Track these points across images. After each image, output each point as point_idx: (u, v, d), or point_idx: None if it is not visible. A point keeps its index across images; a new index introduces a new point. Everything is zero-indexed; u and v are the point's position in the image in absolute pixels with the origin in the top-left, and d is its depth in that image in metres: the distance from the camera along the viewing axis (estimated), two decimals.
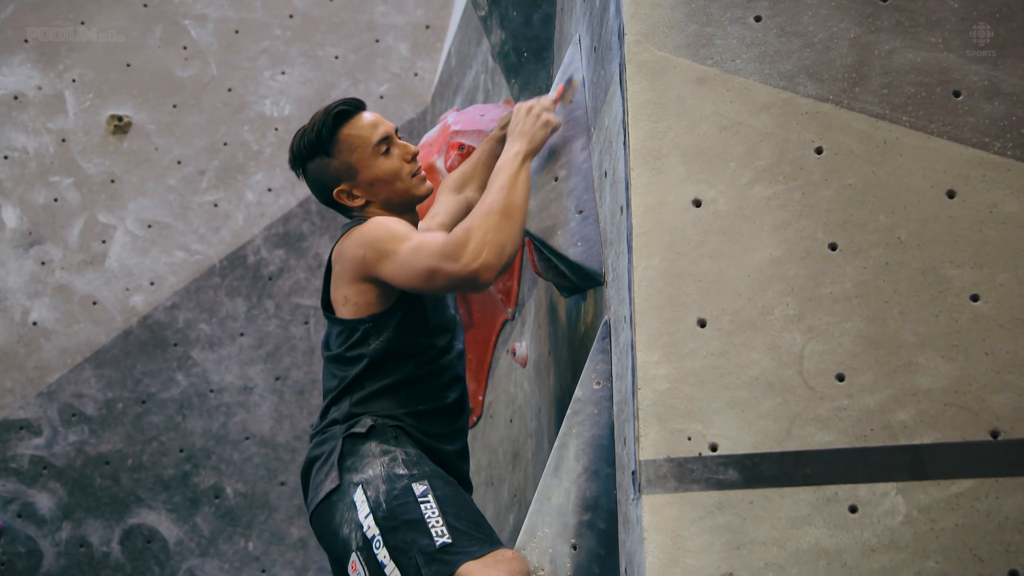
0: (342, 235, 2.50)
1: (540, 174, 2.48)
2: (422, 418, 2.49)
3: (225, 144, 5.42)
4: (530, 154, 2.38)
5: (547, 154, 2.50)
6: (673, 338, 1.81)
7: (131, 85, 5.36)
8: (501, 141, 3.25)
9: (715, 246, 1.84)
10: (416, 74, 5.64)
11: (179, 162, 5.38)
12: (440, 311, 2.54)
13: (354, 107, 2.55)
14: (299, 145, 2.55)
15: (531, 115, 2.43)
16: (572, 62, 2.59)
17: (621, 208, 1.99)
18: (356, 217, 2.58)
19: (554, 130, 2.44)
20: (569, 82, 2.53)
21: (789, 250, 1.83)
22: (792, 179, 1.86)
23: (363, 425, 2.41)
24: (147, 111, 5.37)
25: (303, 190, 5.24)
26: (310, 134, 2.53)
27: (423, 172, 2.59)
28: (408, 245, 2.32)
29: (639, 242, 1.86)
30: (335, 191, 2.54)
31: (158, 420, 5.17)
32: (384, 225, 2.40)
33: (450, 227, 2.95)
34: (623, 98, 1.97)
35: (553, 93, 2.54)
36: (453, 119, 3.62)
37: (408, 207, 2.58)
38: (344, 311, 2.48)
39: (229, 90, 5.49)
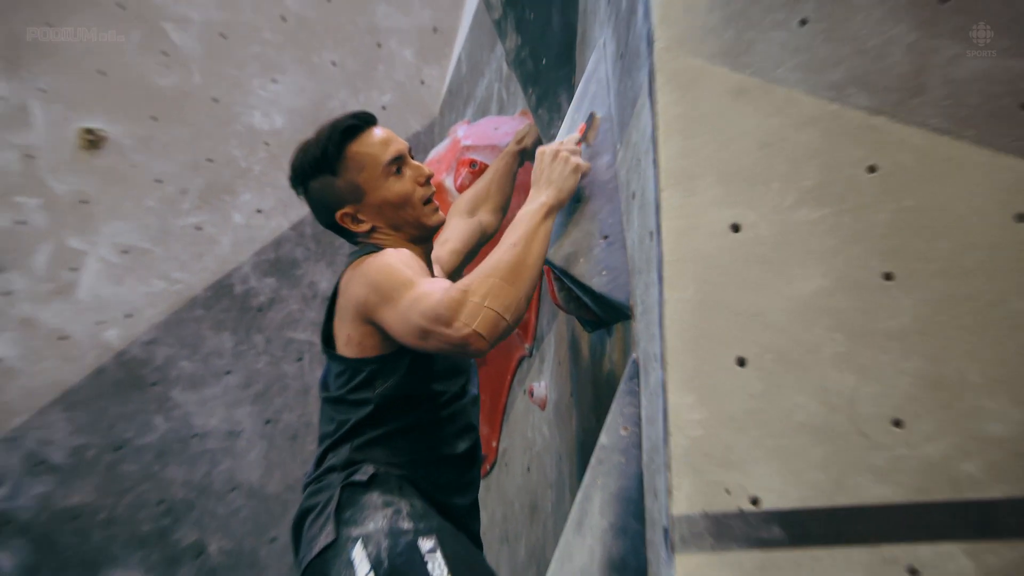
0: (349, 263, 2.51)
1: None
2: (430, 467, 2.49)
3: (210, 160, 5.45)
4: (557, 207, 2.38)
5: None
6: (709, 378, 1.81)
7: (105, 95, 5.40)
8: (517, 157, 3.27)
9: (755, 275, 1.84)
10: (422, 82, 5.67)
11: (159, 180, 5.41)
12: None
13: (364, 122, 2.57)
14: (302, 161, 2.57)
15: (558, 160, 2.41)
16: (595, 72, 2.60)
17: (651, 233, 1.99)
18: (361, 243, 2.60)
19: (584, 175, 2.43)
20: (591, 120, 2.54)
21: (838, 280, 1.83)
22: (842, 201, 1.86)
23: (364, 473, 2.42)
24: (123, 124, 5.41)
25: (296, 211, 5.26)
26: (315, 149, 2.55)
27: (436, 200, 2.61)
28: (411, 294, 2.32)
29: (671, 271, 1.86)
30: (339, 213, 2.56)
31: (134, 469, 5.17)
32: (391, 266, 2.40)
33: (462, 255, 2.96)
34: (652, 111, 1.97)
35: (576, 135, 2.55)
36: (464, 133, 3.63)
37: (420, 237, 2.60)
38: (347, 350, 2.49)
39: (214, 100, 5.53)
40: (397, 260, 2.42)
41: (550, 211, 2.35)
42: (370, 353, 2.45)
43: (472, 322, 2.19)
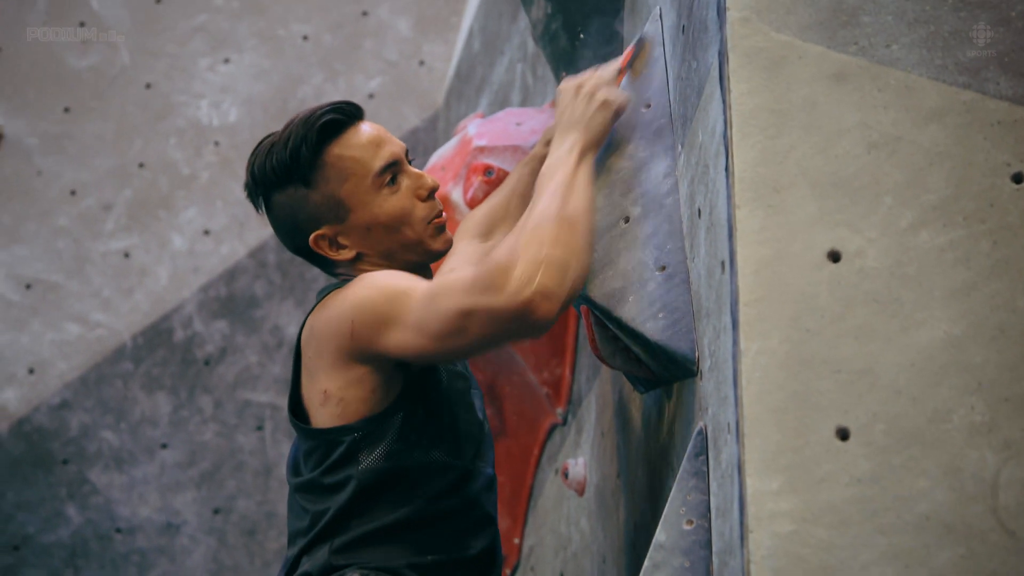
0: (316, 306, 2.52)
1: (603, 212, 2.49)
2: (434, 574, 2.49)
3: (141, 166, 5.49)
4: (590, 146, 2.42)
5: (613, 182, 2.52)
6: (801, 456, 1.81)
7: (1, 79, 5.44)
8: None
9: (862, 320, 1.84)
10: (422, 63, 5.70)
11: (73, 192, 5.45)
12: (462, 410, 2.55)
13: (348, 116, 2.58)
14: (264, 166, 2.57)
15: (583, 94, 2.47)
16: (649, 51, 2.61)
17: (723, 264, 2.00)
18: (341, 276, 2.61)
19: (617, 113, 2.48)
20: (640, 45, 2.56)
21: (974, 326, 1.82)
22: (978, 221, 1.86)
23: None
24: (24, 117, 5.45)
25: (256, 233, 5.28)
26: (281, 152, 2.55)
27: (444, 216, 2.61)
28: (418, 297, 2.34)
29: (750, 314, 1.87)
30: (313, 236, 2.56)
31: None
32: (376, 281, 2.41)
33: None
34: (725, 102, 1.98)
35: (617, 62, 2.57)
36: (476, 130, 3.65)
37: (417, 266, 2.61)
38: (323, 416, 2.49)
39: (148, 86, 5.57)
40: (380, 274, 2.45)
41: (584, 152, 2.40)
42: (352, 416, 2.46)
43: (532, 279, 2.21)
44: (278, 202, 2.58)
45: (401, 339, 2.36)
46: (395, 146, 2.58)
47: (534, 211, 2.30)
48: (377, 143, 2.56)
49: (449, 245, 2.63)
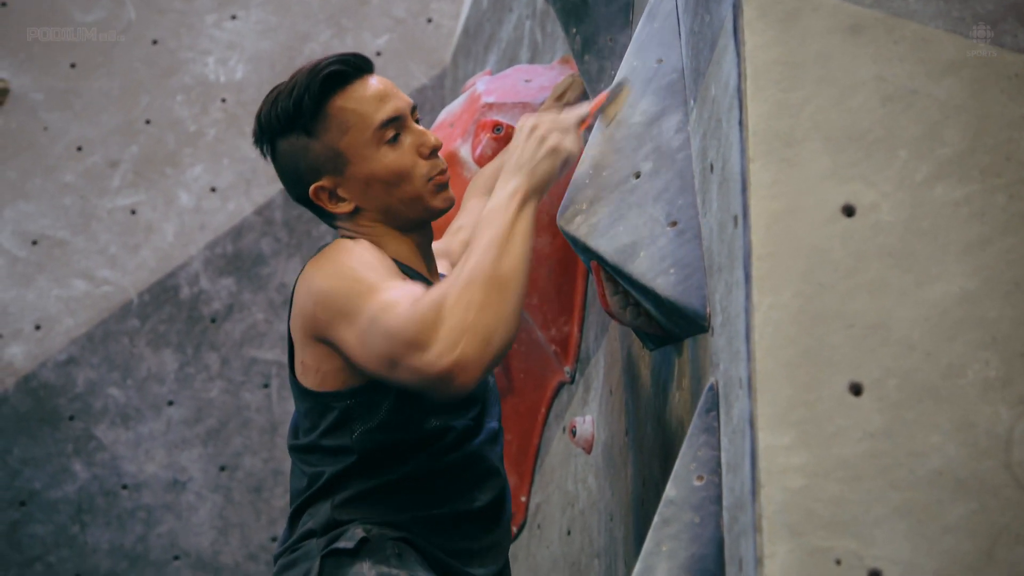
0: (310, 260, 2.53)
1: (614, 167, 2.48)
2: (438, 528, 2.50)
3: (148, 123, 5.48)
4: (532, 193, 2.37)
5: (624, 137, 2.51)
6: (813, 411, 1.80)
7: (6, 35, 5.43)
8: None
9: (876, 275, 1.84)
10: (430, 20, 5.69)
11: (79, 148, 5.44)
12: None
13: (354, 68, 2.58)
14: (269, 113, 2.58)
15: (534, 137, 2.42)
16: (660, 4, 2.60)
17: (735, 218, 1.99)
18: (340, 229, 2.61)
19: (568, 160, 2.43)
20: (617, 89, 2.53)
21: (989, 281, 1.82)
22: (994, 175, 1.85)
23: (351, 538, 2.42)
24: (31, 73, 5.44)
25: (262, 190, 5.28)
26: (286, 100, 2.56)
27: (447, 173, 2.61)
28: (373, 305, 2.31)
29: (762, 268, 1.86)
30: (313, 187, 2.57)
31: (44, 531, 5.20)
32: (347, 266, 2.41)
33: None
34: (738, 55, 1.97)
35: (586, 106, 2.54)
36: (485, 87, 3.64)
37: (417, 223, 2.60)
38: (309, 381, 2.50)
39: (154, 43, 5.56)
40: (353, 258, 2.43)
41: (525, 199, 2.34)
42: (336, 384, 2.46)
43: (455, 346, 2.18)
44: (282, 150, 2.59)
45: (347, 341, 2.36)
46: (400, 101, 2.57)
47: (468, 262, 2.26)
48: (381, 97, 2.56)
49: (450, 204, 2.62)
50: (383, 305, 2.29)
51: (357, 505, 2.47)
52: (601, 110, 2.52)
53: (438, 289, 2.24)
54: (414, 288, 2.33)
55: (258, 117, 2.60)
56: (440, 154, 2.63)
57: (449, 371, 2.18)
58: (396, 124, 2.56)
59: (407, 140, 2.57)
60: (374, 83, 2.58)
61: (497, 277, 2.24)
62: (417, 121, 2.62)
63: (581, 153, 2.46)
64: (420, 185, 2.57)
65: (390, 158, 2.55)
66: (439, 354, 2.18)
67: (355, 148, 2.55)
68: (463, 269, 2.25)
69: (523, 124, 2.45)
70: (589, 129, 2.55)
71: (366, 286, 2.35)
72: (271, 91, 2.60)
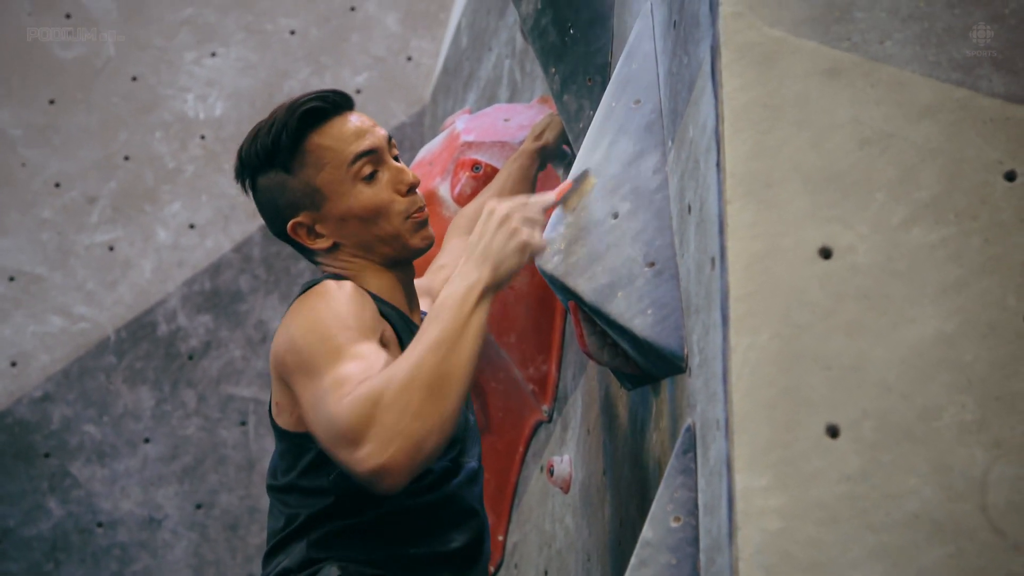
0: (296, 298, 2.52)
1: (592, 207, 2.49)
2: (415, 567, 2.49)
3: (127, 159, 5.48)
4: (492, 289, 2.30)
5: (602, 178, 2.51)
6: (790, 453, 1.80)
7: None
8: (535, 157, 3.28)
9: (853, 317, 1.84)
10: (409, 58, 5.70)
11: (57, 184, 5.43)
12: None
13: (333, 105, 2.58)
14: (249, 149, 2.59)
15: (504, 229, 2.33)
16: (639, 46, 2.61)
17: (712, 259, 1.99)
18: (321, 265, 2.61)
19: (534, 255, 2.37)
20: (581, 179, 2.51)
21: (965, 324, 1.82)
22: (970, 218, 1.85)
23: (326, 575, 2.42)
24: (10, 108, 5.43)
25: (241, 227, 5.28)
26: (264, 137, 2.56)
27: (425, 211, 2.60)
28: (329, 377, 2.27)
29: (739, 310, 1.86)
30: (291, 223, 2.57)
31: (18, 569, 5.17)
32: (319, 319, 2.39)
33: None
34: (716, 97, 1.97)
35: (553, 194, 2.51)
36: (464, 126, 3.64)
37: (397, 261, 2.60)
38: (284, 419, 2.50)
39: (134, 79, 5.56)
40: (332, 309, 2.41)
41: (483, 295, 2.27)
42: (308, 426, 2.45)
43: (384, 451, 2.13)
44: (262, 186, 2.60)
45: (302, 398, 2.33)
46: (376, 137, 2.57)
47: (411, 357, 2.20)
48: (358, 134, 2.57)
49: (429, 243, 2.61)
50: (336, 379, 2.25)
51: (333, 543, 2.47)
52: (564, 199, 2.49)
53: (376, 382, 2.18)
54: (373, 360, 2.27)
55: (239, 153, 2.61)
56: (419, 192, 2.63)
57: (376, 472, 2.14)
58: (372, 159, 2.56)
59: (384, 176, 2.57)
60: (353, 120, 2.59)
61: (438, 381, 2.18)
62: (396, 158, 2.62)
63: (544, 248, 2.41)
64: (398, 222, 2.57)
65: (367, 194, 2.55)
66: (368, 454, 2.13)
67: (332, 184, 2.55)
68: (405, 365, 2.19)
69: (492, 209, 2.37)
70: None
71: (333, 347, 2.31)
72: (253, 128, 2.61)
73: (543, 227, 2.42)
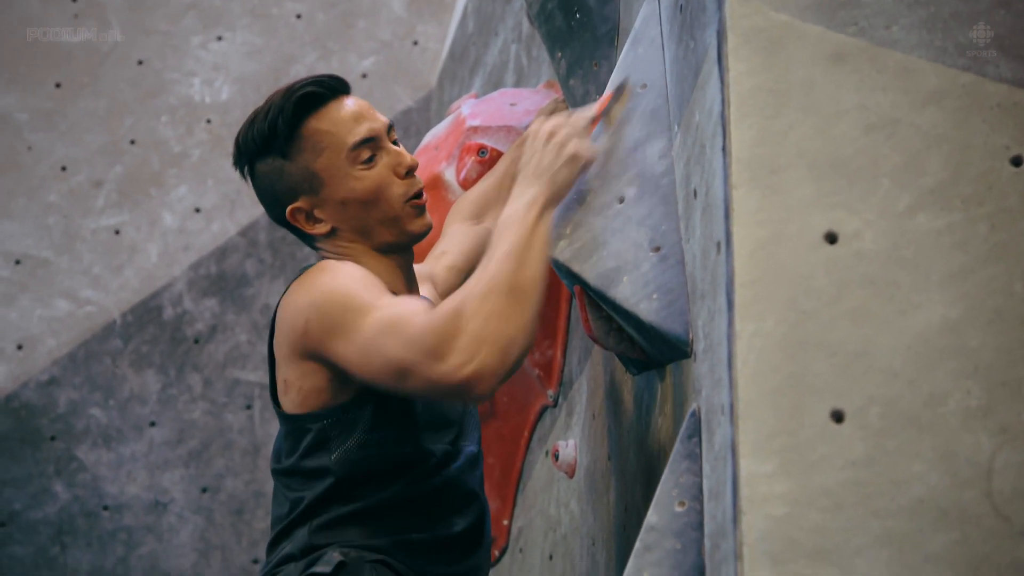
0: (293, 281, 2.52)
1: (598, 192, 2.48)
2: (417, 552, 2.50)
3: (133, 143, 5.47)
4: (551, 202, 2.36)
5: (606, 164, 2.51)
6: (795, 439, 1.80)
7: None
8: None
9: (858, 303, 1.84)
10: (415, 43, 5.69)
11: (63, 168, 5.43)
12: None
13: (330, 90, 2.58)
14: (247, 136, 2.59)
15: (552, 144, 2.40)
16: (646, 30, 2.61)
17: (718, 244, 1.99)
18: (320, 250, 2.61)
19: (586, 166, 2.42)
20: (620, 90, 2.53)
21: (971, 310, 1.82)
22: (976, 204, 1.85)
23: (328, 562, 2.42)
24: (16, 93, 5.43)
25: (247, 211, 5.28)
26: (261, 122, 2.57)
27: (424, 196, 2.61)
28: (375, 319, 2.31)
29: (744, 295, 1.86)
30: (290, 209, 2.57)
31: (24, 553, 5.18)
32: (339, 283, 2.41)
33: (464, 272, 2.96)
34: (722, 82, 1.97)
35: (594, 108, 2.54)
36: (470, 110, 3.64)
37: (396, 246, 2.60)
38: (287, 402, 2.50)
39: (140, 63, 5.56)
40: (346, 275, 2.43)
41: (544, 208, 2.34)
42: (314, 405, 2.46)
43: (473, 357, 2.19)
44: (260, 172, 2.61)
45: (346, 354, 2.35)
46: (375, 122, 2.57)
47: (487, 271, 2.26)
48: (356, 118, 2.56)
49: (427, 229, 2.61)
50: (389, 318, 2.29)
51: (335, 529, 2.47)
52: (606, 111, 2.51)
53: (456, 298, 2.24)
54: (415, 300, 2.33)
55: (237, 140, 2.62)
56: (425, 177, 2.63)
57: (468, 381, 2.19)
58: (371, 145, 2.56)
59: (382, 160, 2.57)
60: (349, 104, 2.58)
61: (516, 287, 2.24)
62: (395, 142, 2.61)
63: (595, 157, 2.45)
64: (397, 206, 2.56)
65: (365, 179, 2.55)
66: (458, 365, 2.18)
67: (330, 169, 2.55)
68: (481, 278, 2.25)
69: (537, 130, 2.44)
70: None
71: (361, 302, 2.35)
72: (251, 115, 2.61)
73: (590, 140, 2.45)
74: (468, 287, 2.25)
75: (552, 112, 3.33)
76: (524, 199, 2.34)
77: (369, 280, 2.43)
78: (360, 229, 2.57)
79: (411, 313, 2.28)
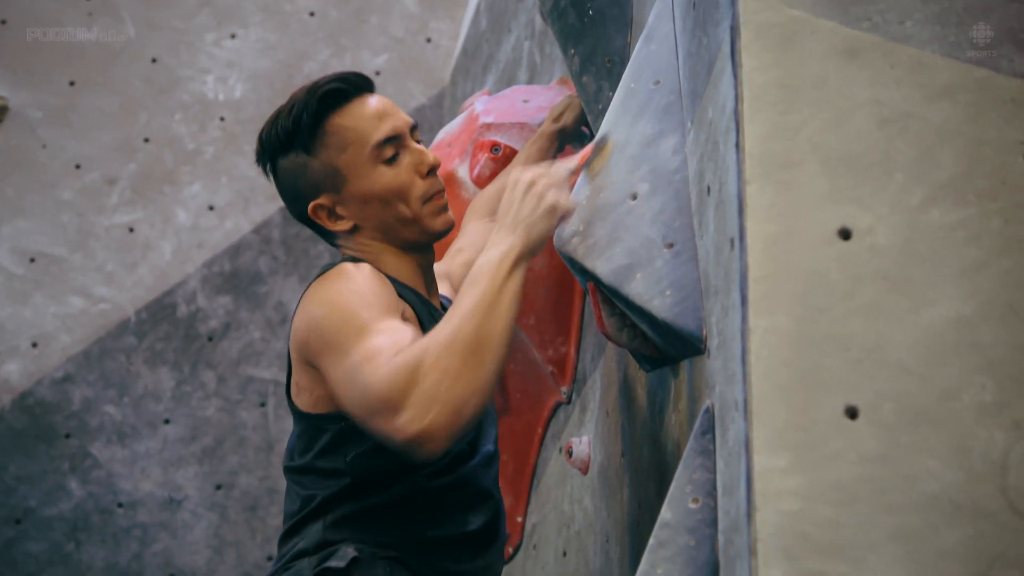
0: (312, 281, 2.52)
1: (611, 189, 2.48)
2: (430, 549, 2.50)
3: (146, 140, 5.48)
4: (526, 254, 2.33)
5: (621, 159, 2.51)
6: (809, 434, 1.80)
7: (6, 52, 5.43)
8: (554, 139, 3.27)
9: (872, 298, 1.84)
10: (428, 40, 5.69)
11: (77, 166, 5.44)
12: None
13: (353, 86, 2.59)
14: (270, 132, 2.59)
15: (531, 194, 2.37)
16: (658, 27, 2.60)
17: (731, 240, 1.99)
18: (341, 248, 2.61)
19: (564, 218, 2.40)
20: (602, 143, 2.52)
21: (984, 305, 1.82)
22: (990, 199, 1.85)
23: (342, 557, 2.42)
24: (29, 90, 5.44)
25: (260, 209, 5.28)
26: (285, 119, 2.57)
27: (444, 195, 2.60)
28: (359, 351, 2.29)
29: (758, 291, 1.86)
30: (312, 205, 2.58)
31: (39, 549, 5.19)
32: (341, 299, 2.40)
33: None
34: (735, 78, 1.97)
35: (575, 160, 2.53)
36: (483, 107, 3.64)
37: (417, 244, 2.60)
38: (303, 401, 2.50)
39: (153, 61, 5.57)
40: (352, 290, 2.42)
41: (517, 260, 2.30)
42: (329, 407, 2.45)
43: (424, 415, 2.15)
44: (282, 168, 2.60)
45: (331, 376, 2.35)
46: (398, 120, 2.58)
47: (451, 322, 2.23)
48: (380, 116, 2.57)
49: (449, 226, 2.61)
50: (367, 353, 2.26)
51: (349, 525, 2.47)
52: (587, 164, 2.50)
53: (419, 347, 2.21)
54: (401, 335, 2.30)
55: (260, 136, 2.62)
56: (443, 187, 2.63)
57: (416, 438, 2.16)
58: (395, 143, 2.56)
59: (405, 159, 2.57)
60: (373, 102, 2.58)
61: (478, 344, 2.20)
62: (418, 141, 2.62)
63: (573, 209, 2.44)
64: (417, 205, 2.57)
65: (387, 176, 2.55)
66: (408, 420, 2.15)
67: (353, 166, 2.55)
68: (445, 329, 2.22)
69: (517, 179, 2.41)
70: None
71: (358, 325, 2.32)
72: (275, 112, 2.61)
73: (569, 192, 2.44)
74: (433, 335, 2.22)
75: (565, 109, 3.33)
76: (499, 249, 2.31)
77: (376, 294, 2.41)
78: (381, 227, 2.58)
79: (381, 352, 2.25)
